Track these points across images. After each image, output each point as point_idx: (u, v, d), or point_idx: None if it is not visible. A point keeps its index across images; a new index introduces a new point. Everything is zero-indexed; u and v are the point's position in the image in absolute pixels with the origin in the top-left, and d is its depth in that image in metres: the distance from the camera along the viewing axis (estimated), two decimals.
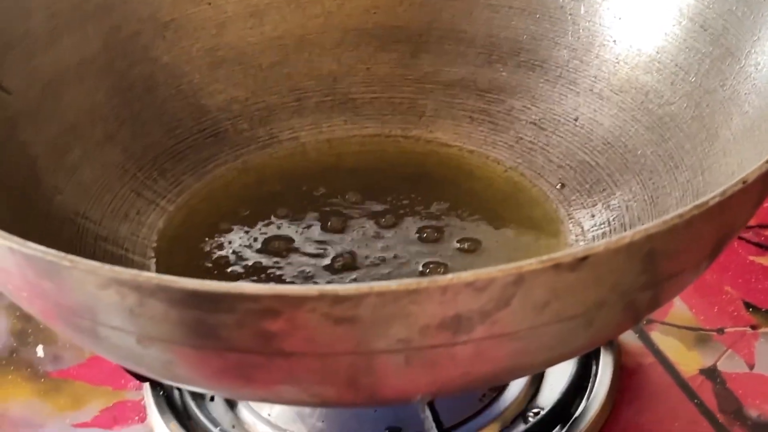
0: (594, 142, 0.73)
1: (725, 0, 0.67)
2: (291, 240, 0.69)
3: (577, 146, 0.73)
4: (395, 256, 0.67)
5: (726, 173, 0.61)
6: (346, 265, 0.66)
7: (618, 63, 0.73)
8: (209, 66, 0.78)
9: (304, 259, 0.67)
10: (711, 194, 0.47)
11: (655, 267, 0.47)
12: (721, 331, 0.73)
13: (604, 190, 0.70)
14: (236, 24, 0.78)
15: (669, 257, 0.48)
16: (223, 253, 0.68)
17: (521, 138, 0.76)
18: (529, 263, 0.43)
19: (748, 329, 0.72)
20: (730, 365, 0.70)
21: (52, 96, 0.70)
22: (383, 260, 0.67)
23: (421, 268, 0.66)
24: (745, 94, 0.64)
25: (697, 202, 0.46)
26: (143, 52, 0.76)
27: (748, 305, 0.74)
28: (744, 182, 0.47)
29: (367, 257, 0.67)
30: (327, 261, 0.67)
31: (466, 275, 0.43)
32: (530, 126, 0.76)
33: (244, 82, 0.78)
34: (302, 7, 0.79)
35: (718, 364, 0.70)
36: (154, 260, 0.67)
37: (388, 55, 0.80)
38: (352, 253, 0.67)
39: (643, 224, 0.62)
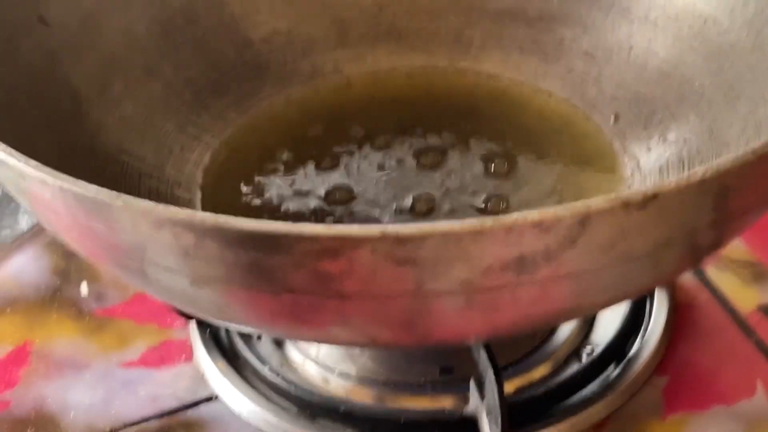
0: (649, 72, 0.71)
1: None
2: (345, 182, 0.67)
3: (631, 77, 0.71)
4: (452, 190, 0.66)
5: None
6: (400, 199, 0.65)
7: None
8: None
9: (362, 201, 0.65)
10: None
11: (725, 204, 0.45)
12: None
13: (660, 122, 0.68)
14: None
15: (740, 194, 0.46)
16: (268, 194, 0.66)
17: (573, 69, 0.73)
18: (597, 202, 0.42)
19: None
20: None
21: (92, 28, 0.68)
22: (444, 194, 0.65)
23: (482, 204, 0.65)
24: None
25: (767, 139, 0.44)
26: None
27: None
28: None
29: (420, 196, 0.65)
30: (388, 200, 0.65)
31: (532, 215, 0.41)
32: (582, 56, 0.74)
33: (286, 13, 0.76)
34: None
35: None
36: (200, 198, 0.66)
37: None
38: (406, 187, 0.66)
39: (701, 158, 0.61)
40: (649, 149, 0.67)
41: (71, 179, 0.44)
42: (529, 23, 0.75)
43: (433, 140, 0.70)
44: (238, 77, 0.73)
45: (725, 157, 0.43)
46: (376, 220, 0.63)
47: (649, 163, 0.66)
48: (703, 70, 0.68)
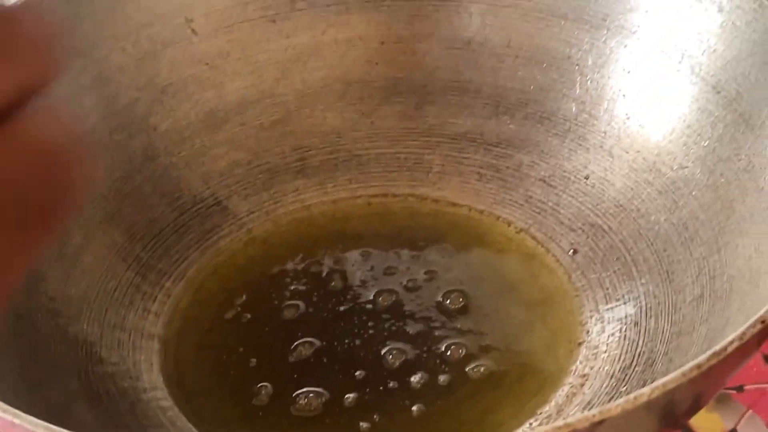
0: (606, 203, 0.71)
1: (739, 63, 0.65)
2: (305, 311, 0.68)
3: (588, 207, 0.72)
4: (417, 339, 0.66)
5: (743, 257, 0.60)
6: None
7: (628, 119, 0.71)
8: (210, 129, 0.76)
9: (327, 353, 0.66)
10: (729, 338, 0.45)
11: (672, 413, 0.46)
12: (740, 389, 0.72)
13: (617, 258, 0.68)
14: (235, 83, 0.77)
15: (686, 402, 0.46)
16: (232, 335, 0.67)
17: (531, 196, 0.74)
18: (544, 430, 0.42)
19: None
20: (752, 428, 0.69)
21: None
22: (411, 345, 0.66)
23: (443, 349, 0.65)
24: (761, 168, 0.62)
25: (715, 349, 0.45)
26: (142, 120, 0.74)
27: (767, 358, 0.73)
28: (763, 321, 0.46)
29: (390, 351, 0.66)
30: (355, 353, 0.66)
31: None
32: (540, 183, 0.74)
33: (246, 144, 0.77)
34: (302, 61, 0.77)
35: (738, 427, 0.69)
36: (162, 351, 0.66)
37: (391, 107, 0.78)
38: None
39: (659, 303, 0.62)
40: (606, 289, 0.67)
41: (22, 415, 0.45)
42: (488, 148, 0.76)
43: (394, 280, 0.70)
44: (199, 214, 0.74)
45: (671, 376, 0.44)
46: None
47: (608, 307, 0.66)
48: (658, 205, 0.68)
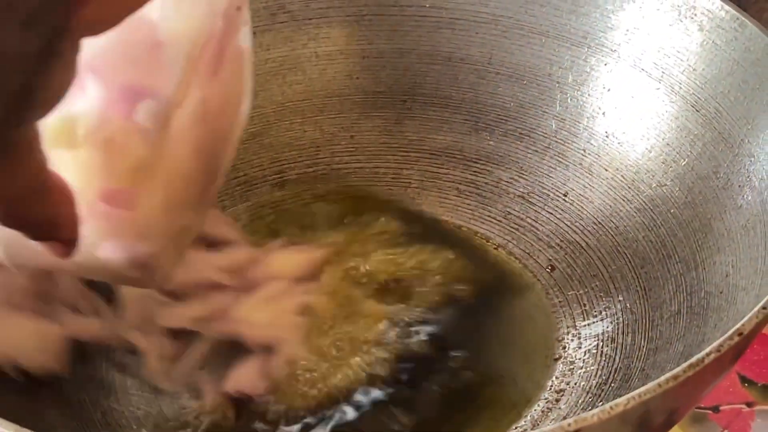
0: (584, 220, 0.71)
1: (718, 82, 0.65)
2: None
3: (567, 224, 0.72)
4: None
5: (720, 274, 0.60)
6: None
7: (608, 137, 0.71)
8: None
9: None
10: (706, 350, 0.45)
11: (647, 426, 0.46)
12: (716, 409, 0.71)
13: (594, 275, 0.68)
14: None
15: (661, 415, 0.46)
16: None
17: (509, 212, 0.74)
18: None
19: (744, 407, 0.71)
20: None
21: None
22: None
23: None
24: (739, 186, 0.62)
25: (692, 360, 0.45)
26: None
27: (744, 379, 0.73)
28: (740, 334, 0.46)
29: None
30: None
31: None
32: (518, 200, 0.74)
33: None
34: (282, 74, 0.77)
35: None
36: None
37: (371, 122, 0.78)
38: None
39: (635, 319, 0.61)
40: (584, 305, 0.67)
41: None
42: (467, 164, 0.76)
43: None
44: None
45: (647, 386, 0.44)
46: None
47: (585, 323, 0.66)
48: (636, 223, 0.68)
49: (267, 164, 0.77)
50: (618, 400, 0.43)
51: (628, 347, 0.63)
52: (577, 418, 0.42)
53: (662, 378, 0.44)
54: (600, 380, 0.62)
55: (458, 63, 0.76)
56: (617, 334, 0.64)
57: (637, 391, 0.44)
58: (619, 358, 0.63)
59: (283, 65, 0.77)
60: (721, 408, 0.71)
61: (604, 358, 0.64)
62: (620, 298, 0.66)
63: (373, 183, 0.77)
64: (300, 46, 0.77)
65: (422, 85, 0.77)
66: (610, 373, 0.62)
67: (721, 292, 0.59)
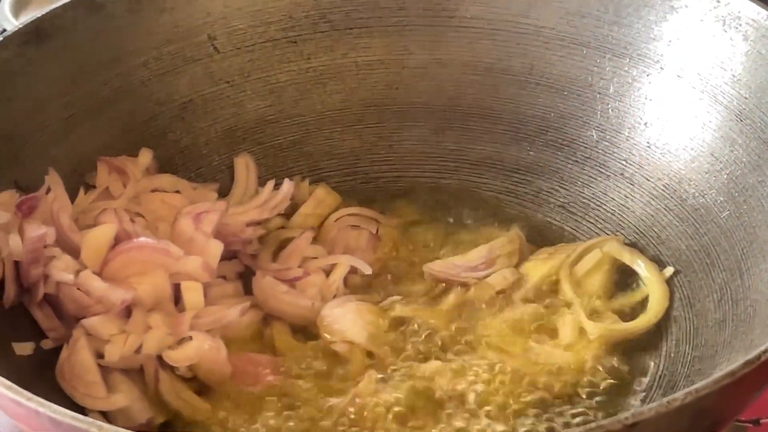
0: (625, 230, 0.71)
1: (764, 91, 0.65)
2: None
3: (607, 233, 0.72)
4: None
5: (766, 281, 0.59)
6: None
7: (650, 147, 0.71)
8: (227, 147, 0.76)
9: None
10: (762, 347, 0.45)
11: (703, 420, 0.45)
12: (756, 422, 0.71)
13: (637, 286, 0.68)
14: (255, 102, 0.77)
15: (718, 410, 0.46)
16: None
17: (550, 222, 0.74)
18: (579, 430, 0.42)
19: None
20: None
21: (71, 187, 0.68)
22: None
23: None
24: None
25: (748, 357, 0.45)
26: (162, 135, 0.74)
27: None
28: None
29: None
30: None
31: None
32: (558, 209, 0.74)
33: (264, 162, 0.76)
34: (322, 83, 0.77)
35: None
36: None
37: (410, 132, 0.78)
38: None
39: (679, 327, 0.61)
40: (628, 312, 0.67)
41: (47, 403, 0.44)
42: (507, 174, 0.76)
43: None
44: None
45: (704, 382, 0.43)
46: None
47: None
48: (679, 232, 0.68)
49: (306, 171, 0.77)
50: (676, 395, 0.43)
51: (672, 354, 0.63)
52: (634, 411, 0.42)
53: (718, 374, 0.44)
54: (645, 386, 0.62)
55: (499, 74, 0.76)
56: (661, 342, 0.64)
57: (694, 387, 0.43)
58: (663, 365, 0.63)
59: (323, 74, 0.77)
60: (762, 421, 0.71)
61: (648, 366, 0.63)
62: None
63: (412, 192, 0.77)
64: (340, 56, 0.77)
65: (462, 95, 0.77)
66: (655, 380, 0.62)
67: None
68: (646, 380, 0.63)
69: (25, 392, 0.46)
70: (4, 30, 0.98)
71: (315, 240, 0.72)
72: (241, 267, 0.70)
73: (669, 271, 0.68)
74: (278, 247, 0.72)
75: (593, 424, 0.42)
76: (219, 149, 0.76)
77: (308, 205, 0.74)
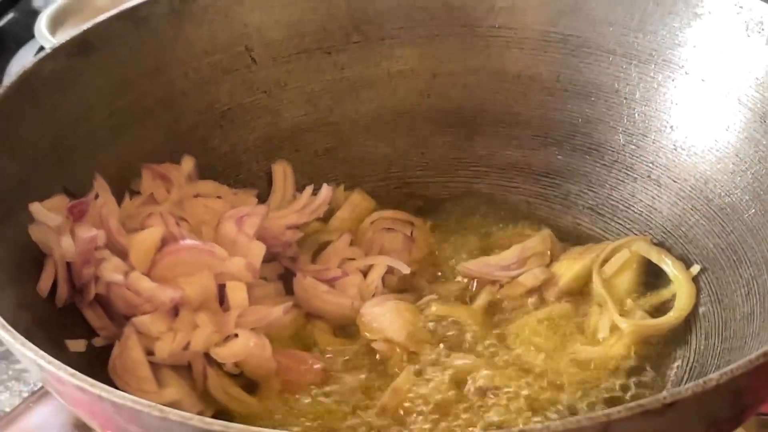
0: (653, 230, 0.73)
1: None
2: None
3: (636, 234, 0.74)
4: None
5: None
6: None
7: (676, 150, 0.73)
8: (265, 154, 0.78)
9: None
10: None
11: (739, 401, 0.47)
12: None
13: (666, 284, 0.70)
14: (291, 111, 0.79)
15: (753, 391, 0.48)
16: None
17: (579, 224, 0.76)
18: (618, 411, 0.44)
19: None
20: None
21: (116, 192, 0.71)
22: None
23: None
24: None
25: None
26: (202, 143, 0.76)
27: None
28: None
29: None
30: None
31: (555, 425, 0.43)
32: (587, 212, 0.76)
33: (300, 169, 0.79)
34: (356, 92, 0.80)
35: None
36: None
37: (442, 138, 0.80)
38: None
39: (708, 322, 0.63)
40: (656, 310, 0.69)
41: (109, 389, 0.46)
42: (536, 178, 0.78)
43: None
44: None
45: (739, 363, 0.45)
46: None
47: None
48: (705, 231, 0.70)
49: (341, 177, 0.79)
50: (711, 375, 0.45)
51: (702, 348, 0.65)
52: (672, 391, 0.44)
53: (753, 355, 0.46)
54: (677, 378, 0.64)
55: (527, 81, 0.78)
56: (691, 336, 0.66)
57: (729, 367, 0.45)
58: (694, 357, 0.65)
59: (357, 84, 0.80)
60: None
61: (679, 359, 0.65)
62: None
63: (444, 196, 0.79)
64: (373, 65, 0.80)
65: (492, 102, 0.79)
66: (685, 371, 0.64)
67: None
68: (677, 373, 0.65)
69: (88, 378, 0.48)
70: (41, 48, 1.01)
71: (352, 243, 0.74)
72: (281, 269, 0.73)
73: (696, 269, 0.69)
74: (317, 249, 0.74)
75: (633, 404, 0.44)
76: (257, 156, 0.78)
77: (345, 210, 0.76)
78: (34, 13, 1.08)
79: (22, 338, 0.52)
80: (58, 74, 0.70)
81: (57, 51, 0.70)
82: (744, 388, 0.46)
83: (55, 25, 1.05)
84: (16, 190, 0.65)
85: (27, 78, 0.68)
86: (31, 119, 0.68)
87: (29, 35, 1.06)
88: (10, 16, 1.13)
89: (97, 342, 0.65)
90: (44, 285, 0.64)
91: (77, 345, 0.63)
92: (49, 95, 0.69)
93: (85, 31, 0.71)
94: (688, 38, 0.73)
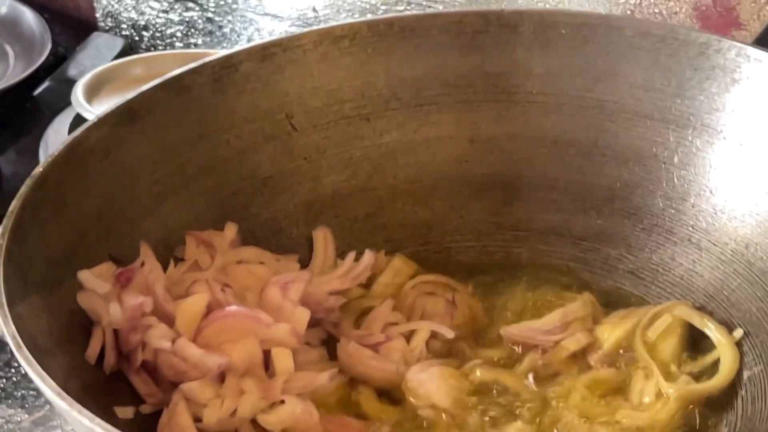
0: (695, 293, 0.73)
1: None
2: None
3: (677, 298, 0.74)
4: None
5: None
6: None
7: (716, 214, 0.74)
8: (305, 220, 0.79)
9: None
10: None
11: None
12: None
13: (709, 349, 0.70)
14: (331, 177, 0.80)
15: None
16: None
17: (619, 288, 0.76)
18: None
19: None
20: None
21: (160, 258, 0.71)
22: None
23: None
24: None
25: None
26: (244, 209, 0.77)
27: None
28: None
29: None
30: None
31: None
32: (628, 275, 0.76)
33: (341, 234, 0.79)
34: (394, 157, 0.81)
35: None
36: None
37: (480, 203, 0.81)
38: None
39: (754, 386, 0.63)
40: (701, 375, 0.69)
41: None
42: (575, 242, 0.79)
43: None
44: None
45: None
46: None
47: None
48: (748, 295, 0.70)
49: (381, 242, 0.80)
50: None
51: (749, 412, 0.65)
52: None
53: None
54: None
55: (565, 146, 0.79)
56: (737, 400, 0.66)
57: None
58: (741, 422, 0.65)
59: (395, 149, 0.81)
60: None
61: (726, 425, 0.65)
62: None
63: (484, 261, 0.79)
64: (411, 131, 0.81)
65: (530, 167, 0.80)
66: None
67: None
68: None
69: None
70: (78, 115, 1.03)
71: (393, 308, 0.75)
72: (324, 334, 0.73)
73: (739, 332, 0.70)
74: (359, 314, 0.75)
75: None
76: (297, 222, 0.79)
77: (387, 275, 0.76)
78: (70, 82, 1.09)
79: (79, 405, 0.52)
80: (103, 142, 0.71)
81: (103, 119, 0.71)
82: None
83: (91, 93, 1.06)
84: (64, 258, 0.66)
85: (74, 146, 0.69)
86: (78, 187, 0.69)
87: (65, 103, 1.07)
88: (45, 84, 1.14)
89: (145, 409, 0.65)
90: (93, 352, 0.64)
91: (125, 412, 0.63)
92: (95, 163, 0.70)
93: (130, 100, 0.72)
94: (726, 103, 0.74)
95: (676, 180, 0.76)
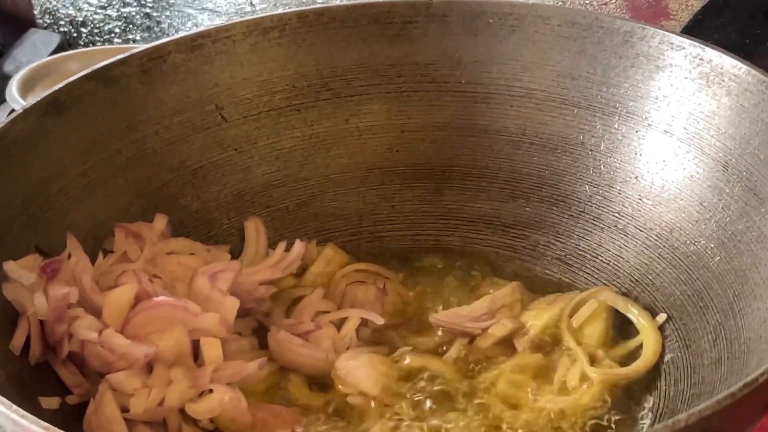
0: (621, 279, 0.74)
1: (747, 142, 0.69)
2: None
3: (604, 283, 0.75)
4: None
5: (758, 319, 0.63)
6: None
7: (641, 200, 0.74)
8: (237, 210, 0.79)
9: None
10: (759, 370, 0.48)
11: None
12: None
13: (634, 333, 0.71)
14: (262, 167, 0.80)
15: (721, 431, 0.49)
16: None
17: (547, 274, 0.77)
18: None
19: None
20: None
21: (89, 250, 0.71)
22: None
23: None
24: None
25: (746, 380, 0.48)
26: (174, 200, 0.77)
27: None
28: None
29: None
30: None
31: None
32: (556, 262, 0.77)
33: (272, 225, 0.80)
34: (326, 148, 0.81)
35: None
36: None
37: (411, 192, 0.81)
38: None
39: (677, 367, 0.64)
40: (626, 358, 0.70)
41: None
42: (504, 230, 0.79)
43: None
44: None
45: (706, 403, 0.46)
46: None
47: None
48: (672, 279, 0.71)
49: (313, 232, 0.80)
50: (679, 416, 0.46)
51: (671, 394, 0.66)
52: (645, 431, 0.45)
53: (720, 396, 0.47)
54: (647, 425, 0.65)
55: (494, 135, 0.80)
56: (660, 382, 0.67)
57: (697, 408, 0.46)
58: (663, 404, 0.66)
59: (326, 140, 0.81)
60: None
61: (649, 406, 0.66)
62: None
63: (415, 249, 0.80)
64: (342, 122, 0.81)
65: (460, 156, 0.81)
66: (656, 417, 0.65)
67: (760, 336, 0.61)
68: (647, 419, 0.66)
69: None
70: (12, 110, 1.02)
71: (325, 296, 0.75)
72: (255, 324, 0.73)
73: (662, 317, 0.71)
74: (291, 304, 0.75)
75: None
76: (229, 213, 0.79)
77: (318, 264, 0.77)
78: (5, 78, 1.09)
79: None
80: (29, 133, 0.70)
81: (29, 111, 0.71)
82: (712, 428, 0.47)
83: (26, 88, 1.06)
84: None
85: None
86: (2, 178, 0.68)
87: (0, 99, 1.06)
88: None
89: (71, 400, 0.65)
90: (17, 342, 0.64)
91: (51, 402, 0.63)
92: (20, 154, 0.69)
93: (56, 91, 0.72)
94: (650, 90, 0.74)
95: (602, 167, 0.77)
